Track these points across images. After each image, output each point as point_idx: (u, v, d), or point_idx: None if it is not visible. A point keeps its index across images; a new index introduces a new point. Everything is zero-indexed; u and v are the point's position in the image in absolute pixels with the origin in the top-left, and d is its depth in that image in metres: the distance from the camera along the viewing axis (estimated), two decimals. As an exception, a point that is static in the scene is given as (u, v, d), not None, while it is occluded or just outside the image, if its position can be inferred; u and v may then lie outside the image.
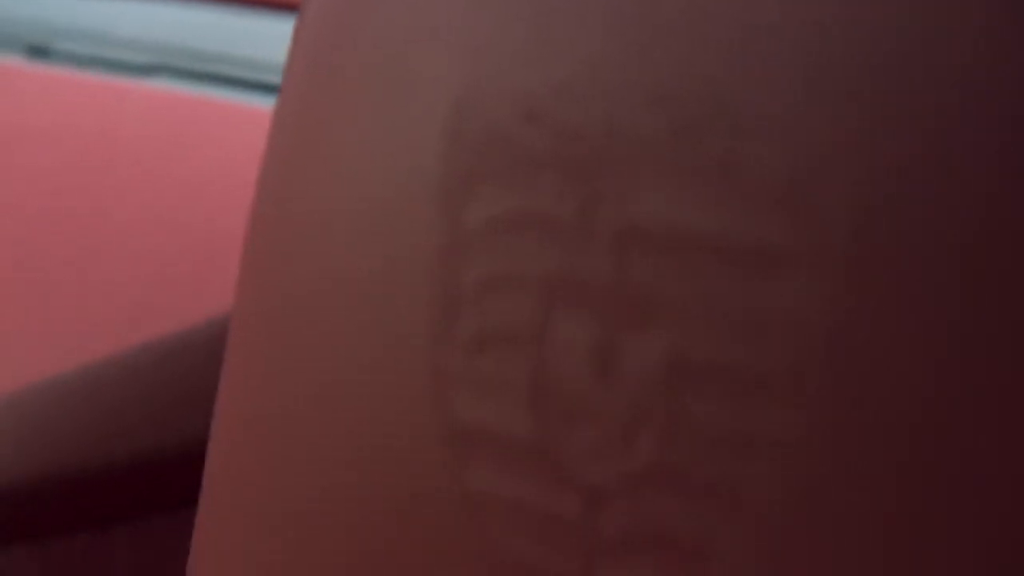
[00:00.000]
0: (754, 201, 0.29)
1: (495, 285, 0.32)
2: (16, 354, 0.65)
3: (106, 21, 0.93)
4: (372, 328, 0.34)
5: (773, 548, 0.29)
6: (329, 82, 0.37)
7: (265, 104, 0.80)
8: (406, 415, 0.34)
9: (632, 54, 0.30)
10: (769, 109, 0.28)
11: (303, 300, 0.36)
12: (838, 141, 0.28)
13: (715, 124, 0.29)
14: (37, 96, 0.87)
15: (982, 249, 0.27)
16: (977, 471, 0.27)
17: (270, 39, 0.87)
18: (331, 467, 0.35)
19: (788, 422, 0.29)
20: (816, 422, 0.28)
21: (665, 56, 0.30)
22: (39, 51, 0.92)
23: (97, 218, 0.74)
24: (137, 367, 0.62)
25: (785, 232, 0.28)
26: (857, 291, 0.28)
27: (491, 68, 0.32)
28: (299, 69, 0.38)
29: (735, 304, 0.29)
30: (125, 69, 0.89)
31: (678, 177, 0.30)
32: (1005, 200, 0.27)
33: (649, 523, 0.31)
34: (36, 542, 0.62)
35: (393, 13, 0.35)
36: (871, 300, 0.28)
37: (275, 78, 0.84)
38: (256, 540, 0.37)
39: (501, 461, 0.32)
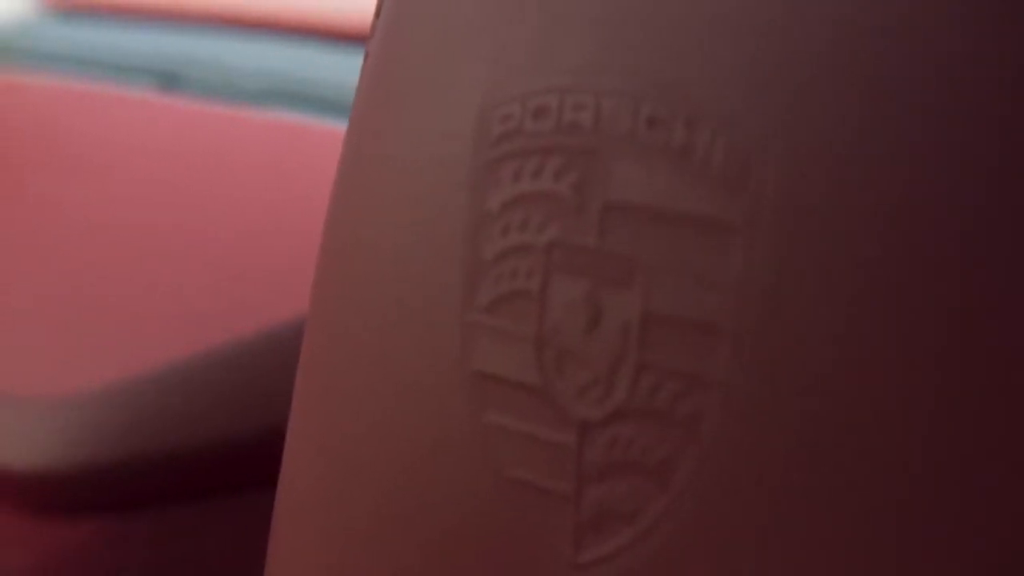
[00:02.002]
0: (705, 180, 0.35)
1: (508, 255, 0.39)
2: (133, 342, 0.72)
3: (228, 53, 1.01)
4: (414, 293, 0.41)
5: (722, 469, 0.35)
6: (384, 97, 0.43)
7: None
8: (438, 363, 0.40)
9: (615, 62, 0.37)
10: (716, 105, 0.35)
11: (361, 275, 0.43)
12: (768, 130, 0.34)
13: (677, 117, 0.36)
14: (164, 123, 0.95)
15: (888, 218, 0.33)
16: (879, 401, 0.33)
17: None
18: (379, 404, 0.42)
19: (733, 365, 0.35)
20: (755, 364, 0.35)
21: (640, 63, 0.36)
22: (169, 80, 0.99)
23: (210, 229, 0.82)
24: (244, 356, 0.70)
25: (728, 206, 0.35)
26: (784, 255, 0.34)
27: (506, 75, 0.39)
28: (363, 90, 0.45)
29: (692, 266, 0.35)
30: (244, 97, 0.96)
31: (649, 161, 0.36)
32: (909, 176, 0.33)
33: (624, 450, 0.37)
34: (144, 512, 0.70)
35: (432, 34, 0.42)
36: (795, 262, 0.34)
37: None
38: (324, 468, 0.44)
39: (511, 401, 0.39)
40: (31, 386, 0.71)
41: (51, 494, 0.68)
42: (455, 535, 0.40)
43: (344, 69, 0.95)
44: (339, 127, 0.87)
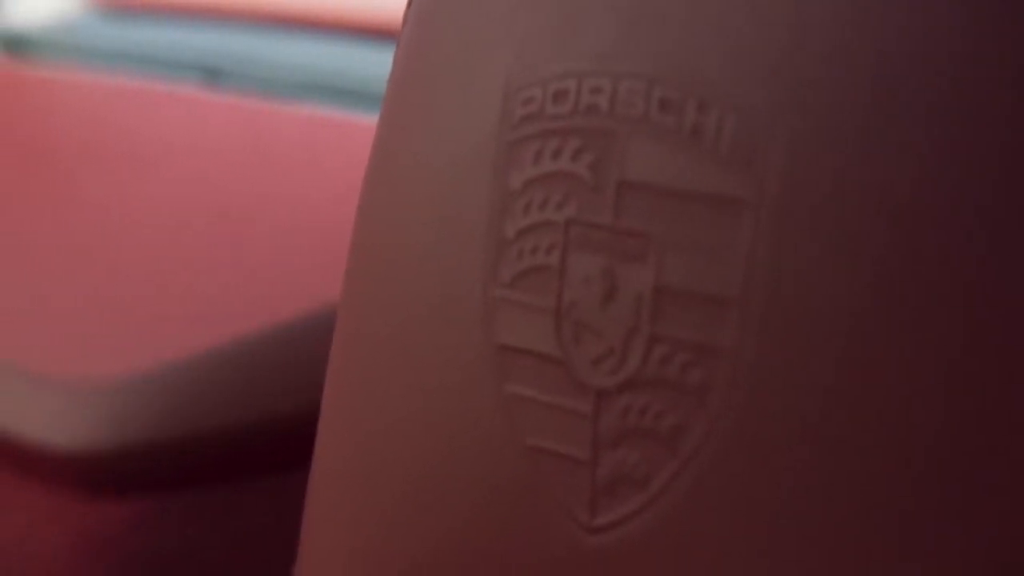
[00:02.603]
0: (714, 159, 0.37)
1: (530, 232, 0.41)
2: (172, 328, 0.75)
3: (268, 49, 1.03)
4: (441, 270, 0.43)
5: (729, 435, 0.37)
6: (414, 85, 0.45)
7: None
8: (464, 337, 0.42)
9: (630, 47, 0.39)
10: (726, 88, 0.37)
11: (391, 255, 0.45)
12: (775, 112, 0.36)
13: (689, 100, 0.37)
14: (207, 117, 0.97)
15: (887, 197, 0.35)
16: (881, 371, 0.35)
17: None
18: (408, 377, 0.44)
19: (740, 335, 0.37)
20: (761, 335, 0.36)
21: (653, 48, 0.38)
22: (212, 75, 1.02)
23: (250, 218, 0.84)
24: (278, 341, 0.72)
25: (736, 184, 0.36)
26: (788, 230, 0.36)
27: (528, 61, 0.41)
28: (394, 80, 0.47)
29: (702, 242, 0.37)
30: (285, 91, 0.98)
31: (661, 141, 0.38)
32: (907, 159, 0.35)
33: (638, 418, 0.39)
34: (180, 492, 0.72)
35: (458, 24, 0.43)
36: (799, 237, 0.35)
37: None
38: (357, 441, 0.46)
39: (532, 372, 0.41)
40: (72, 370, 0.73)
41: (90, 474, 0.70)
42: (480, 501, 0.42)
43: (380, 63, 0.97)
44: (375, 119, 0.89)
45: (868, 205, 0.35)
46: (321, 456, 0.48)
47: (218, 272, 0.79)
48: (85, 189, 0.91)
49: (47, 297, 0.79)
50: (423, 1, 0.45)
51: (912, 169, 0.34)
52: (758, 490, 0.37)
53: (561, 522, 0.40)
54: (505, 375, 0.41)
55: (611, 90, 0.39)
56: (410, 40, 0.46)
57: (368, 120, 0.90)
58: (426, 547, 0.43)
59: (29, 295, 0.80)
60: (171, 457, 0.71)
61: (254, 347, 0.72)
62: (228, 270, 0.79)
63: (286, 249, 0.80)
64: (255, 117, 0.95)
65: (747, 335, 0.36)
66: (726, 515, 0.37)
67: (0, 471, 0.74)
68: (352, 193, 0.84)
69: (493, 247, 0.41)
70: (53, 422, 0.71)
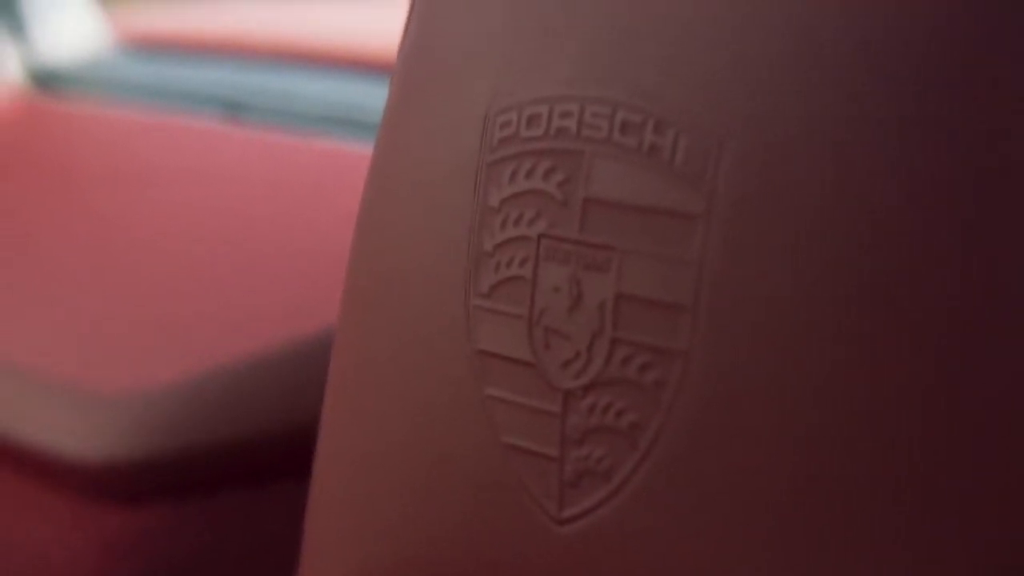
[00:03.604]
0: (669, 177, 0.40)
1: (506, 245, 0.44)
2: (190, 344, 0.78)
3: (288, 84, 1.07)
4: (428, 282, 0.46)
5: (682, 430, 0.40)
6: (404, 112, 0.49)
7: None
8: (447, 344, 0.45)
9: (595, 75, 0.42)
10: (680, 111, 0.40)
11: (383, 270, 0.48)
12: (724, 132, 0.39)
13: (646, 122, 0.41)
14: (228, 149, 1.01)
15: (821, 207, 0.38)
16: (818, 368, 0.38)
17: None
18: (398, 381, 0.47)
19: (691, 338, 0.40)
20: (710, 336, 0.40)
21: (617, 75, 0.42)
22: (233, 109, 1.05)
23: (267, 244, 0.87)
24: (291, 357, 0.75)
25: (688, 199, 0.40)
26: (734, 239, 0.39)
27: (505, 88, 0.44)
28: (388, 108, 0.50)
29: (658, 253, 0.40)
30: (304, 124, 1.02)
31: (623, 161, 0.41)
32: (839, 171, 0.38)
33: (601, 416, 0.42)
34: (200, 499, 0.75)
35: (444, 57, 0.47)
36: (744, 245, 0.39)
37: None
38: (351, 440, 0.49)
39: (507, 375, 0.44)
40: (95, 382, 0.77)
41: (114, 482, 0.74)
42: (462, 495, 0.45)
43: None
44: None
45: (807, 217, 0.38)
46: (321, 458, 0.51)
47: (234, 292, 0.82)
48: (111, 215, 0.95)
49: (73, 314, 0.83)
50: (413, 36, 0.49)
51: (849, 183, 0.38)
52: (709, 478, 0.40)
53: (533, 514, 0.43)
54: (484, 379, 0.45)
55: (579, 114, 0.42)
56: (402, 71, 0.49)
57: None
58: (414, 538, 0.47)
59: (56, 312, 0.84)
60: (190, 466, 0.75)
61: (270, 361, 0.76)
62: (244, 290, 0.82)
63: (301, 272, 0.84)
64: (274, 149, 0.99)
65: (697, 338, 0.40)
66: (681, 503, 0.40)
67: (24, 479, 0.78)
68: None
69: (473, 260, 0.45)
70: (77, 432, 0.75)
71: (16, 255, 0.94)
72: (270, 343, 0.77)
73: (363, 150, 0.94)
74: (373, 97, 1.01)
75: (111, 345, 0.80)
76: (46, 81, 1.13)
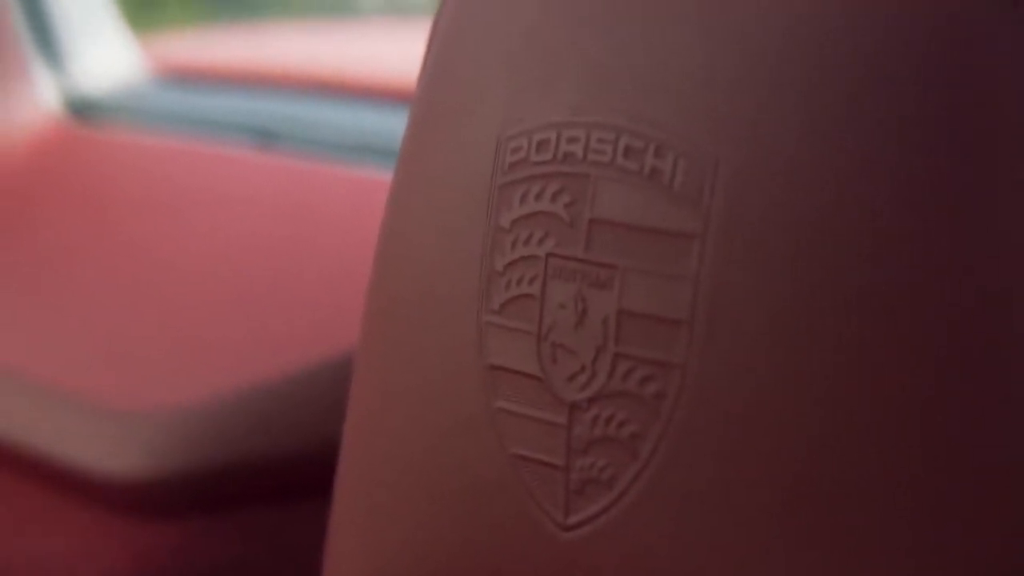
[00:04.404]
0: (668, 198, 0.42)
1: (516, 264, 0.46)
2: (218, 365, 0.81)
3: (319, 114, 1.09)
4: (442, 299, 0.49)
5: (680, 439, 0.42)
6: (422, 139, 0.51)
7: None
8: (460, 358, 0.48)
9: (600, 102, 0.44)
10: (679, 136, 0.42)
11: (400, 289, 0.51)
12: (719, 155, 0.41)
13: (647, 147, 0.43)
14: (260, 177, 1.03)
15: (811, 227, 0.40)
16: (811, 379, 0.40)
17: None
18: (415, 394, 0.49)
19: (688, 351, 0.42)
20: (706, 350, 0.42)
21: (619, 103, 0.44)
22: (266, 137, 1.08)
23: (295, 268, 0.90)
24: (315, 377, 0.78)
25: (685, 219, 0.42)
26: (729, 257, 0.41)
27: (516, 115, 0.47)
28: (407, 134, 0.52)
29: (658, 270, 0.43)
30: (334, 153, 1.04)
31: (625, 183, 0.43)
32: (830, 194, 0.40)
33: (604, 427, 0.44)
34: (229, 515, 0.78)
35: (459, 85, 0.49)
36: (737, 263, 0.41)
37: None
38: (369, 451, 0.51)
39: (516, 389, 0.46)
40: (127, 401, 0.79)
41: (143, 498, 0.76)
42: (472, 503, 0.47)
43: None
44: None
45: (796, 236, 0.40)
46: (342, 472, 0.53)
47: (262, 314, 0.85)
48: (144, 240, 0.97)
49: (105, 335, 0.86)
50: (430, 67, 0.51)
51: (839, 203, 0.40)
52: (706, 486, 0.42)
53: (539, 521, 0.45)
54: (494, 392, 0.47)
55: (585, 139, 0.45)
56: (420, 100, 0.52)
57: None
58: (428, 546, 0.49)
59: (89, 333, 0.86)
60: (216, 482, 0.77)
61: (295, 380, 0.78)
62: (271, 313, 0.85)
63: (328, 295, 0.86)
64: (303, 177, 1.01)
65: (693, 351, 0.42)
66: (680, 509, 0.42)
67: (56, 495, 0.80)
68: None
69: (485, 279, 0.47)
70: (107, 449, 0.77)
71: (52, 278, 0.96)
72: (296, 363, 0.79)
73: (391, 178, 0.97)
74: (401, 126, 1.03)
75: (142, 365, 0.82)
76: (82, 110, 1.16)
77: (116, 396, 0.80)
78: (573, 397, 0.45)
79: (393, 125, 1.04)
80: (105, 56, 1.20)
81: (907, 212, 0.39)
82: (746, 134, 0.41)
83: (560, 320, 0.45)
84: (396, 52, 1.25)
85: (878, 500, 0.40)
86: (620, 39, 0.44)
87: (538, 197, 0.46)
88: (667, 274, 0.42)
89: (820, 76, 0.41)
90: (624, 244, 0.43)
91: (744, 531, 0.41)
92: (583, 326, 0.44)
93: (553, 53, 0.46)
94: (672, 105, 0.43)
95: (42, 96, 1.14)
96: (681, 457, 0.42)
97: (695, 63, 0.42)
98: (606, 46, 0.45)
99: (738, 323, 0.41)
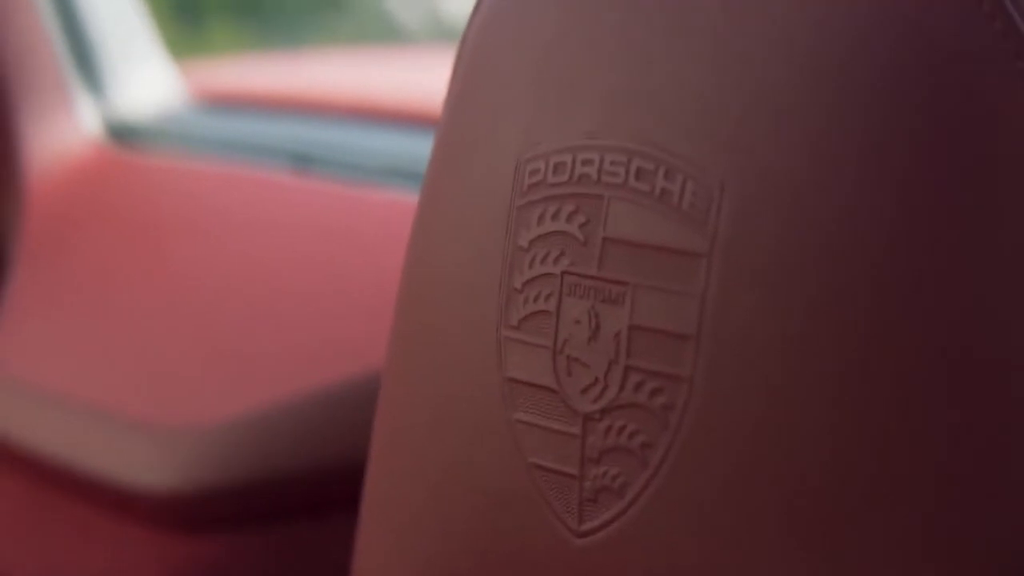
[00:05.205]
0: (677, 218, 0.44)
1: (534, 282, 0.48)
2: (253, 382, 0.83)
3: (354, 138, 1.12)
4: (463, 315, 0.51)
5: (688, 449, 0.44)
6: (446, 162, 0.53)
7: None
8: (479, 371, 0.50)
9: (613, 127, 0.46)
10: (686, 159, 0.44)
11: (424, 305, 0.53)
12: (725, 177, 0.43)
13: (658, 169, 0.45)
14: (296, 200, 1.06)
15: (813, 246, 0.42)
16: (813, 392, 0.42)
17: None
18: (437, 404, 0.51)
19: (695, 365, 0.44)
20: (712, 363, 0.44)
21: (632, 127, 0.46)
22: (302, 161, 1.10)
23: (329, 288, 0.92)
24: (347, 393, 0.80)
25: (693, 238, 0.44)
26: (733, 275, 0.43)
27: (534, 139, 0.49)
28: (432, 158, 0.55)
29: (667, 287, 0.44)
30: (370, 176, 1.07)
31: (637, 204, 0.45)
32: (832, 213, 0.42)
33: (616, 437, 0.46)
34: (263, 528, 0.80)
35: (481, 111, 0.51)
36: (741, 280, 0.43)
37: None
38: (395, 463, 0.54)
39: (533, 401, 0.48)
40: (165, 417, 0.81)
41: (179, 512, 0.79)
42: (491, 511, 0.49)
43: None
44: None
45: (798, 256, 0.42)
46: (369, 483, 0.55)
47: (296, 333, 0.87)
48: (183, 261, 1.00)
49: (143, 354, 0.88)
50: (454, 93, 0.53)
51: (839, 225, 0.42)
52: (712, 493, 0.44)
53: (554, 527, 0.47)
54: (512, 404, 0.49)
55: (599, 162, 0.47)
56: (444, 125, 0.54)
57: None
58: (450, 552, 0.51)
59: (127, 352, 0.89)
60: (251, 497, 0.79)
61: (328, 397, 0.80)
62: (305, 332, 0.87)
63: (360, 315, 0.88)
64: (339, 200, 1.04)
65: (699, 365, 0.44)
66: (688, 515, 0.44)
67: (94, 509, 0.82)
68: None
69: (504, 296, 0.49)
70: (145, 464, 0.80)
71: (93, 299, 0.99)
72: (328, 380, 0.81)
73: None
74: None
75: (179, 383, 0.85)
76: (123, 135, 1.18)
77: (152, 413, 0.82)
78: (587, 408, 0.47)
79: (425, 149, 1.06)
80: (145, 82, 1.22)
81: (907, 232, 0.41)
82: (750, 158, 0.43)
83: (575, 335, 0.47)
84: (432, 78, 1.27)
85: (878, 505, 0.42)
86: (632, 68, 0.46)
87: (554, 217, 0.48)
88: (675, 291, 0.44)
89: (823, 105, 0.43)
90: (635, 262, 0.45)
91: (750, 536, 0.43)
92: (596, 340, 0.46)
93: (569, 80, 0.48)
94: (681, 130, 0.45)
95: (84, 121, 1.17)
96: (689, 465, 0.44)
97: (703, 92, 0.44)
98: (619, 74, 0.47)
99: (742, 338, 0.43)
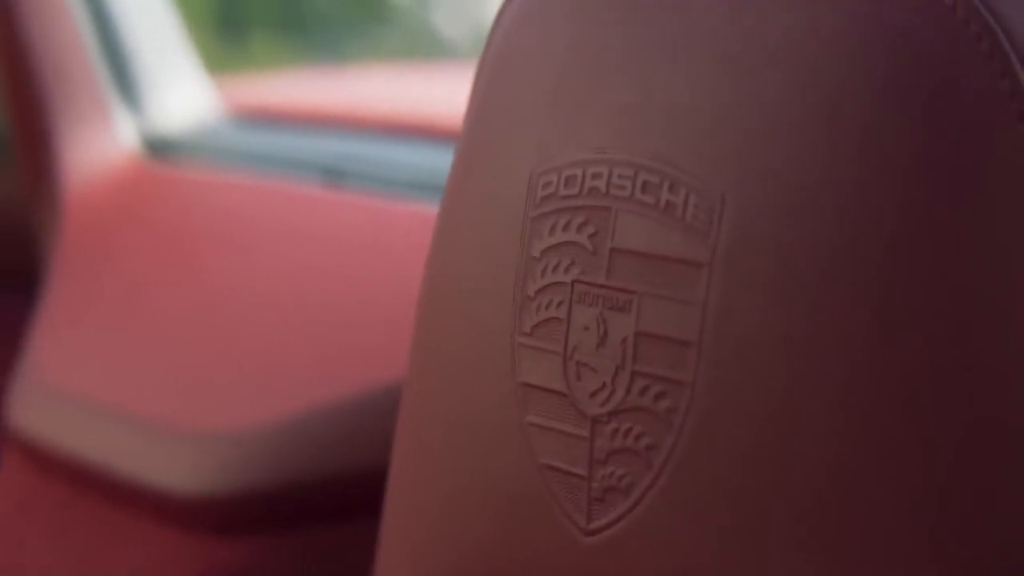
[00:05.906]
0: (680, 229, 0.46)
1: (545, 290, 0.50)
2: (282, 389, 0.85)
3: (385, 152, 1.14)
4: (479, 322, 0.53)
5: (690, 450, 0.46)
6: (464, 175, 0.55)
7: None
8: (494, 376, 0.52)
9: (621, 142, 0.48)
10: (690, 172, 0.46)
11: (442, 314, 0.55)
12: (726, 189, 0.45)
13: (663, 182, 0.47)
14: (329, 213, 1.08)
15: (811, 256, 0.44)
16: (812, 396, 0.44)
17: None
18: (454, 408, 0.53)
19: (697, 370, 0.46)
20: (711, 369, 0.45)
21: (638, 143, 0.48)
22: (334, 175, 1.12)
23: (357, 299, 0.94)
24: (372, 400, 0.82)
25: (695, 248, 0.46)
26: (733, 283, 0.45)
27: (547, 153, 0.51)
28: (451, 172, 0.57)
29: (671, 295, 0.46)
30: (401, 190, 1.08)
31: (643, 216, 0.47)
32: (829, 223, 0.44)
33: (623, 439, 0.48)
34: (292, 533, 0.82)
35: (497, 127, 0.53)
36: (741, 288, 0.45)
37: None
38: (415, 465, 0.56)
39: (544, 405, 0.50)
40: (196, 423, 0.84)
41: (209, 516, 0.81)
42: (504, 510, 0.51)
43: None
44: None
45: (796, 266, 0.44)
46: (391, 486, 0.57)
47: (326, 344, 0.89)
48: (216, 272, 1.02)
49: (177, 362, 0.90)
50: (473, 109, 0.56)
51: (838, 235, 0.44)
52: (715, 493, 0.45)
53: (564, 526, 0.49)
54: (525, 408, 0.51)
55: (608, 175, 0.49)
56: (463, 140, 0.56)
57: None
58: (466, 553, 0.53)
59: (161, 360, 0.91)
60: (280, 501, 0.81)
61: (356, 404, 0.82)
62: (335, 343, 0.89)
63: (391, 326, 0.90)
64: (370, 213, 1.06)
65: (701, 370, 0.45)
66: (691, 514, 0.46)
67: (127, 513, 0.85)
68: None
69: (518, 304, 0.51)
70: (177, 469, 0.82)
71: (127, 307, 1.01)
72: (356, 389, 0.83)
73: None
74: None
75: (211, 390, 0.87)
76: (160, 149, 1.20)
77: (184, 419, 0.85)
78: (595, 412, 0.49)
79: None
80: (182, 97, 1.24)
81: (905, 240, 0.43)
82: (751, 172, 0.45)
83: (584, 341, 0.49)
84: (458, 95, 1.29)
85: (881, 505, 0.43)
86: (640, 87, 0.48)
87: (566, 228, 0.50)
88: (678, 299, 0.46)
89: (821, 120, 0.44)
90: (641, 271, 0.47)
91: (752, 535, 0.45)
92: (604, 346, 0.48)
93: (580, 98, 0.50)
94: (685, 145, 0.47)
95: (120, 135, 1.19)
96: (692, 467, 0.46)
97: (707, 108, 0.46)
98: (628, 92, 0.49)
99: (744, 344, 0.45)
